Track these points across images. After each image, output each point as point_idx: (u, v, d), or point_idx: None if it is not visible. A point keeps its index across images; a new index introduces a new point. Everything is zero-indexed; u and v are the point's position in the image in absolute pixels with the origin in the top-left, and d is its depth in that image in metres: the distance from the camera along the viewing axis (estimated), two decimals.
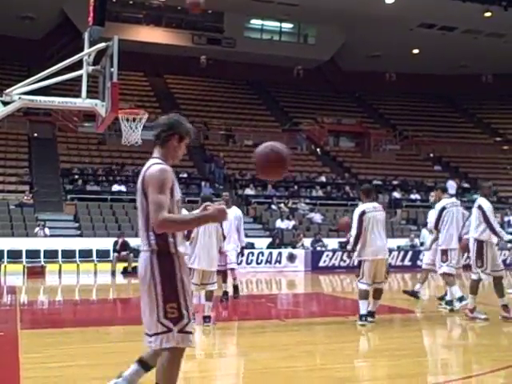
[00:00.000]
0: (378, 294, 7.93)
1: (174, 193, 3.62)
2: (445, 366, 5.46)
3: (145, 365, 3.79)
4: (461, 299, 8.65)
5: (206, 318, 7.67)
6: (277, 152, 3.71)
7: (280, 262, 18.85)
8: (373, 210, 7.87)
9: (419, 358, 5.88)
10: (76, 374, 5.17)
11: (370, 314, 7.87)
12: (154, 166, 3.61)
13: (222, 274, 9.80)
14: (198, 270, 7.62)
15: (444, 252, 8.96)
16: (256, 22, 31.21)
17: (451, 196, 9.67)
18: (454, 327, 8.49)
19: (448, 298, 9.30)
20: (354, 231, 7.88)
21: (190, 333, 3.54)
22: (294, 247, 19.44)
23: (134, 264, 16.42)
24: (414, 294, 10.21)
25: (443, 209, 8.87)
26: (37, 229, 18.16)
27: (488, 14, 26.91)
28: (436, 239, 9.21)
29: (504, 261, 20.48)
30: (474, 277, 8.12)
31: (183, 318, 3.50)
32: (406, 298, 10.41)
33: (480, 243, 8.07)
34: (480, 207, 8.03)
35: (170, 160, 3.72)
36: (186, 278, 3.61)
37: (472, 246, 8.21)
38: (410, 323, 8.56)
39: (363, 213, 7.80)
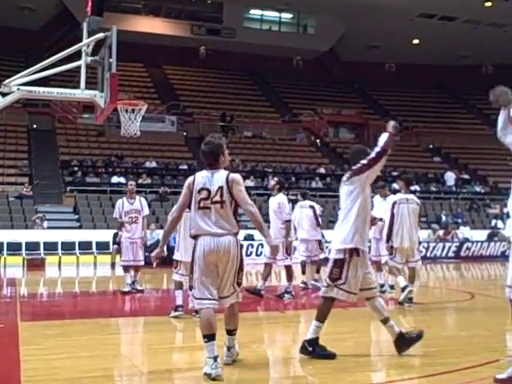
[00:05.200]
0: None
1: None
2: (443, 357, 5.47)
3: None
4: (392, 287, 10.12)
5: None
6: None
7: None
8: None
9: (418, 348, 5.88)
10: (76, 366, 5.18)
11: None
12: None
13: None
14: (184, 262, 7.45)
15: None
16: (255, 12, 31.11)
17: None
18: (452, 318, 8.51)
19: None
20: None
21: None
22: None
23: None
24: (257, 292, 9.66)
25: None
26: (34, 217, 18.16)
27: (488, 4, 26.84)
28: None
29: (503, 252, 20.60)
30: None
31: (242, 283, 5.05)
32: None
33: None
34: None
35: None
36: None
37: None
38: (410, 314, 8.58)
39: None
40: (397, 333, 5.49)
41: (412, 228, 8.59)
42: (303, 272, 11.20)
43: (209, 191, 4.85)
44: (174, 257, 7.84)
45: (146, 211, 10.47)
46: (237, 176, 4.95)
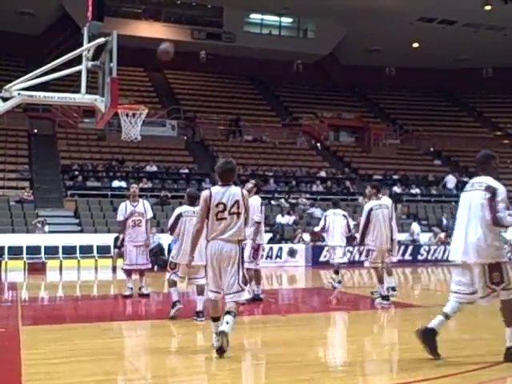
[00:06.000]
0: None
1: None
2: (445, 360, 5.45)
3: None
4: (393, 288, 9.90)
5: (200, 313, 7.67)
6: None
7: (281, 257, 18.86)
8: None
9: (420, 352, 5.87)
10: (77, 370, 5.17)
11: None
12: None
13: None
14: (183, 265, 7.64)
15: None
16: (255, 17, 31.16)
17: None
18: (455, 321, 8.49)
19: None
20: None
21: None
22: (293, 242, 19.45)
23: None
24: (256, 298, 9.53)
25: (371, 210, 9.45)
26: (35, 221, 18.14)
27: (488, 8, 26.84)
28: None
29: None
30: None
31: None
32: (405, 292, 10.40)
33: None
34: None
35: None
36: None
37: None
38: (412, 317, 8.56)
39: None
40: (435, 327, 5.50)
41: (387, 230, 9.45)
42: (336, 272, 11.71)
43: (224, 205, 5.68)
44: (172, 260, 7.98)
45: (150, 214, 10.36)
46: (247, 192, 6.12)
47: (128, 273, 10.32)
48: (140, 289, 10.26)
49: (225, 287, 5.68)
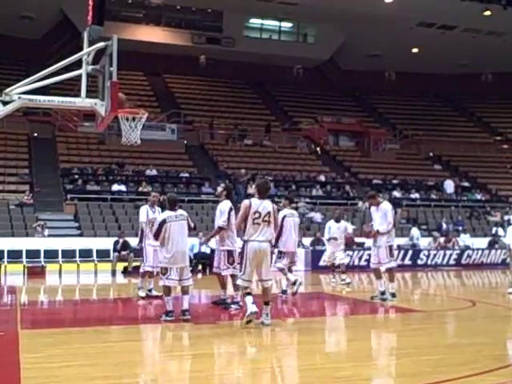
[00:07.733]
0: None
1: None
2: (445, 365, 5.46)
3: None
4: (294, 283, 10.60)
5: (186, 312, 7.99)
6: None
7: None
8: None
9: (419, 356, 5.88)
10: (76, 374, 5.17)
11: None
12: None
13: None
14: (176, 268, 8.01)
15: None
16: (255, 22, 31.22)
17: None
18: (453, 326, 8.50)
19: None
20: None
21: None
22: None
23: (134, 264, 16.41)
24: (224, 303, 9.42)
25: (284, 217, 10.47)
26: (34, 225, 18.14)
27: (487, 13, 26.92)
28: None
29: (504, 260, 20.58)
30: None
31: None
32: (405, 297, 10.39)
33: None
34: None
35: None
36: None
37: None
38: (410, 322, 8.57)
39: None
40: None
41: (296, 236, 10.78)
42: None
43: (259, 213, 7.41)
44: (162, 265, 8.11)
45: None
46: (275, 206, 7.67)
47: (142, 275, 10.65)
48: (151, 291, 10.58)
49: (262, 276, 7.52)
